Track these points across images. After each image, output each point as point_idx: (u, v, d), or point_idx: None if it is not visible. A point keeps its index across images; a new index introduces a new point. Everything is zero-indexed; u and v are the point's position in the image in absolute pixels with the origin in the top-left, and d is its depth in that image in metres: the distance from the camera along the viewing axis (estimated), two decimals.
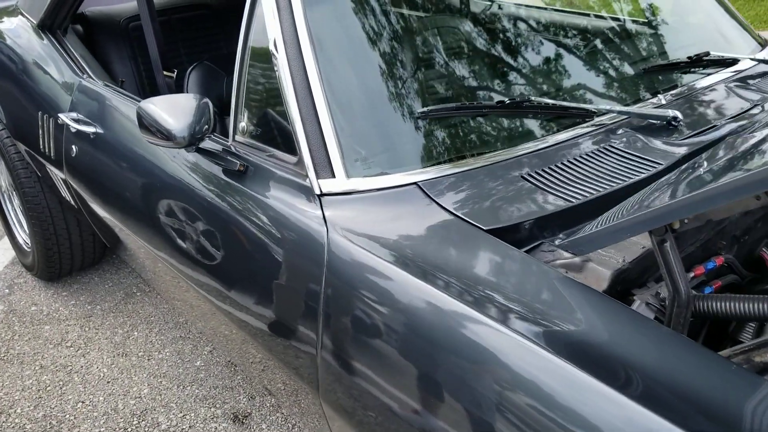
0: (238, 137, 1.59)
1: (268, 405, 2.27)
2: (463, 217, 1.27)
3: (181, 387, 2.37)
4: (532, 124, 1.53)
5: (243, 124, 1.59)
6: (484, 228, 1.23)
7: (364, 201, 1.35)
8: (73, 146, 2.13)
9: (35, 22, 2.47)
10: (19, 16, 2.62)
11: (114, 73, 2.59)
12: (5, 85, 2.55)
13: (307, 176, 1.40)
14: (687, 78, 1.81)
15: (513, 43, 1.72)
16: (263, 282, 1.46)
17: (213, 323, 1.90)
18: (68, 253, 2.81)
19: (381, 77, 1.49)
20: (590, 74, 1.74)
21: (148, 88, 2.60)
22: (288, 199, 1.42)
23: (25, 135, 2.49)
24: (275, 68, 1.48)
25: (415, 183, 1.35)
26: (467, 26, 1.72)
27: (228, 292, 1.59)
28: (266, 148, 1.52)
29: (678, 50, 1.92)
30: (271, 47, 1.49)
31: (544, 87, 1.65)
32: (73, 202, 2.41)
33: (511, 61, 1.67)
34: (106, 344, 2.60)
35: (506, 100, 1.50)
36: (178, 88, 2.35)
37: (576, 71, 1.73)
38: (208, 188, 1.61)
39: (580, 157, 1.45)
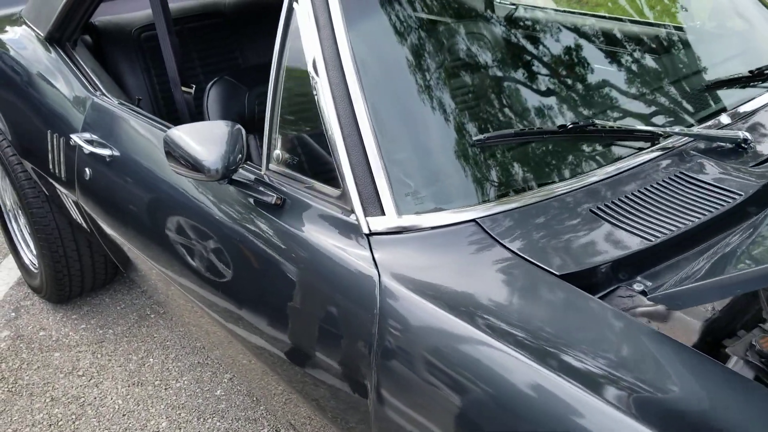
0: (272, 166, 1.47)
1: None
2: (530, 259, 1.15)
3: (202, 419, 2.24)
4: (597, 149, 1.41)
5: (278, 152, 1.46)
6: (557, 273, 1.11)
7: (417, 241, 1.22)
8: (87, 169, 2.00)
9: (42, 34, 2.34)
10: (24, 26, 2.48)
11: (126, 87, 2.46)
12: (10, 100, 2.42)
13: (352, 212, 1.27)
14: (748, 93, 1.69)
15: (570, 63, 1.59)
16: (299, 321, 1.34)
17: (231, 352, 1.79)
18: (78, 276, 2.68)
19: (432, 102, 1.37)
20: (649, 92, 1.61)
21: (164, 105, 2.47)
22: (331, 237, 1.29)
23: (32, 153, 2.36)
24: (314, 91, 1.35)
25: (473, 220, 1.23)
26: (523, 46, 1.60)
27: (257, 327, 1.47)
28: (304, 180, 1.40)
29: (734, 62, 1.79)
30: (310, 68, 1.36)
31: (603, 107, 1.53)
32: (85, 225, 2.28)
33: (570, 82, 1.54)
34: (120, 372, 2.48)
35: (568, 123, 1.37)
36: (197, 104, 2.22)
37: (635, 89, 1.60)
38: (239, 221, 1.48)
39: (651, 186, 1.32)
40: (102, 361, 2.54)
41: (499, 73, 1.51)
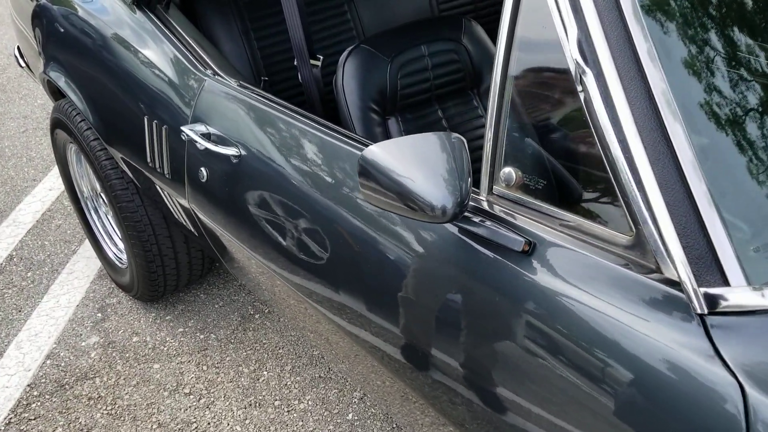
0: (499, 189, 1.06)
1: None
2: None
3: None
4: None
5: (508, 170, 1.04)
6: None
7: None
8: (203, 169, 1.61)
9: None
10: None
11: (222, 53, 2.03)
12: (91, 77, 2.02)
13: (655, 271, 0.87)
14: None
15: None
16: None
17: (361, 368, 1.45)
18: (174, 274, 2.33)
19: None
20: None
21: (267, 78, 2.03)
22: (624, 310, 0.89)
23: (121, 141, 1.97)
24: (580, 86, 0.93)
25: None
26: None
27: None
28: (557, 213, 0.99)
29: None
30: (572, 55, 0.93)
31: None
32: (191, 228, 1.91)
33: None
34: (232, 390, 2.15)
35: None
36: (326, 79, 1.79)
37: None
38: (446, 259, 1.08)
39: None
40: (209, 374, 2.21)
41: None
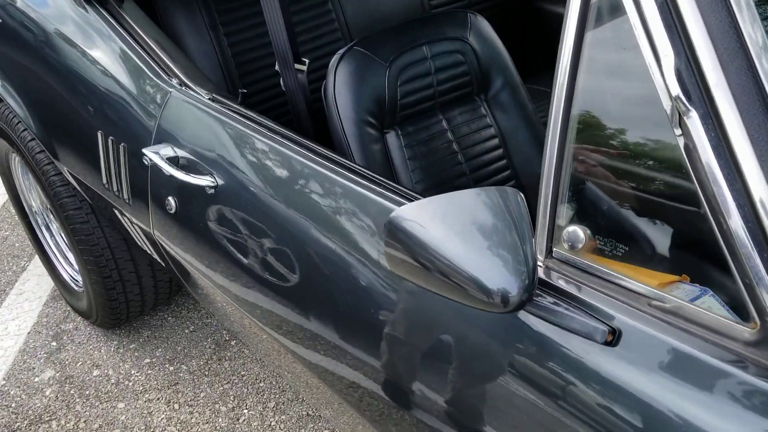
0: (561, 252, 0.83)
1: None
2: None
3: None
4: None
5: (575, 229, 0.81)
6: None
7: None
8: (171, 198, 1.35)
9: None
10: None
11: (185, 53, 1.75)
12: (33, 80, 1.72)
13: None
14: None
15: None
16: None
17: (347, 419, 1.25)
18: (138, 300, 2.07)
19: None
20: None
21: (239, 80, 1.76)
22: (745, 427, 0.68)
23: (72, 157, 1.69)
24: (678, 132, 0.71)
25: None
26: None
27: None
28: (646, 290, 0.76)
29: None
30: (668, 89, 0.71)
31: None
32: (158, 258, 1.65)
33: None
34: None
35: None
36: (312, 85, 1.53)
37: None
38: (491, 339, 0.86)
39: None
40: (182, 414, 1.96)
41: None
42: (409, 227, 0.74)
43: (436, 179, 1.52)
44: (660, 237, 0.77)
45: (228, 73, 1.78)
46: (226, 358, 2.13)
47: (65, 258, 2.23)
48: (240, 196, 1.23)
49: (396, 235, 0.75)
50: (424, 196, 1.47)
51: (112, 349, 2.18)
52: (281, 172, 1.18)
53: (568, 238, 0.82)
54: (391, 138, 1.50)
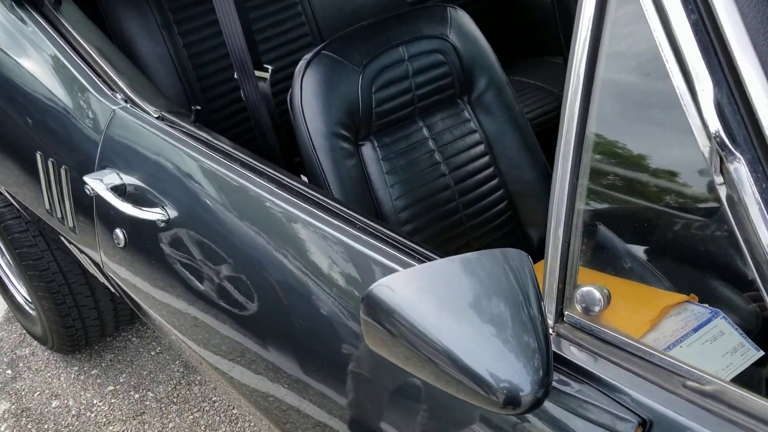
0: (573, 316, 0.69)
1: None
2: None
3: None
4: None
5: (590, 290, 0.67)
6: None
7: None
8: (119, 231, 1.19)
9: None
10: None
11: (137, 58, 1.57)
12: None
13: None
14: None
15: None
16: None
17: None
18: (97, 325, 1.91)
19: None
20: None
21: (201, 90, 1.59)
22: None
23: (11, 178, 1.52)
24: (720, 181, 0.57)
25: None
26: None
27: None
28: (681, 369, 0.63)
29: None
30: (708, 129, 0.57)
31: None
32: (110, 287, 1.49)
33: None
34: None
35: None
36: (277, 96, 1.37)
37: None
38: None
39: None
40: None
41: None
42: (391, 304, 0.60)
43: (418, 194, 1.38)
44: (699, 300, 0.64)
45: (185, 77, 1.60)
46: (196, 382, 1.98)
47: (18, 279, 2.06)
48: (194, 229, 1.07)
49: (376, 313, 0.61)
50: (403, 217, 1.33)
51: (72, 377, 2.02)
52: (238, 202, 1.03)
53: (582, 299, 0.68)
54: (367, 150, 1.35)
